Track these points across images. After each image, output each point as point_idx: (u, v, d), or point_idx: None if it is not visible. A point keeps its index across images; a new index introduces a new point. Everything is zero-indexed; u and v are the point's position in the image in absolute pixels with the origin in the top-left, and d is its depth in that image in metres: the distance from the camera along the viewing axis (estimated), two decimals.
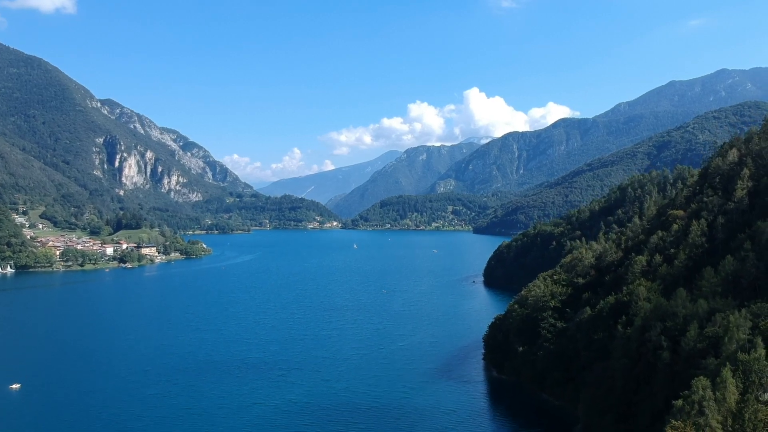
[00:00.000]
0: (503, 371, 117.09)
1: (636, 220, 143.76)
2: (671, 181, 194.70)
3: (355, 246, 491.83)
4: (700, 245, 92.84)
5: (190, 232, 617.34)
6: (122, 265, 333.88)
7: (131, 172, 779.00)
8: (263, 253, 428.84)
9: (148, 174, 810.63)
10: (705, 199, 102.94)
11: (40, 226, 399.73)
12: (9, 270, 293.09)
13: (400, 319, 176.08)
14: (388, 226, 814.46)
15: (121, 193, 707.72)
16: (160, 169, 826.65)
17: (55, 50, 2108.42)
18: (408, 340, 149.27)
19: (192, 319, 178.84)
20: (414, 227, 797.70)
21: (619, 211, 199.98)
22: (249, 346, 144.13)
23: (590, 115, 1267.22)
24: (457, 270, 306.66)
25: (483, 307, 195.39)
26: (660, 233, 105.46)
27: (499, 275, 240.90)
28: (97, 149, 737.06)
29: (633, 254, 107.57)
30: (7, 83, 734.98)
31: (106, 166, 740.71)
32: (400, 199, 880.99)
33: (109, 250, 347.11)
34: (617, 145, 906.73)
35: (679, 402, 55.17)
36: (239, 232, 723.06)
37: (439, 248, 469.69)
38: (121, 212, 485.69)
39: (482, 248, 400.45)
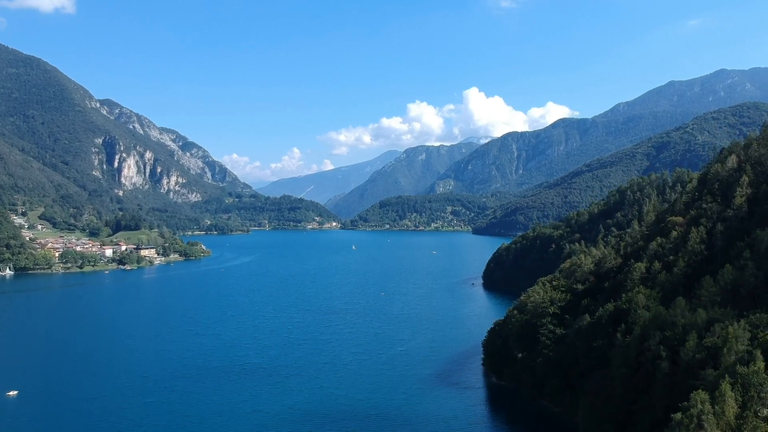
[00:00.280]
0: (502, 377, 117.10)
1: (635, 224, 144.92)
2: (670, 184, 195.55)
3: (354, 248, 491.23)
4: (699, 252, 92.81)
5: (189, 233, 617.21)
6: (121, 267, 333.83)
7: (130, 173, 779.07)
8: (262, 255, 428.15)
9: (147, 174, 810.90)
10: (704, 205, 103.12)
11: (39, 227, 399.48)
12: (8, 272, 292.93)
13: (399, 323, 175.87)
14: (388, 226, 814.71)
15: (121, 193, 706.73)
16: (159, 170, 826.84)
17: (55, 50, 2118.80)
18: (407, 344, 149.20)
19: (191, 323, 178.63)
20: (413, 228, 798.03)
21: (618, 215, 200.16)
22: (248, 351, 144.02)
23: (589, 115, 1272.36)
24: (456, 272, 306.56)
25: (482, 311, 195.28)
26: (659, 240, 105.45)
27: (499, 278, 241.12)
28: (96, 149, 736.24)
29: (632, 261, 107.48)
30: (6, 83, 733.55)
31: (105, 167, 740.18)
32: (399, 199, 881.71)
33: (108, 252, 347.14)
34: (616, 145, 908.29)
35: (678, 415, 55.16)
36: (238, 232, 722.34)
37: (438, 249, 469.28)
38: (120, 213, 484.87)
39: (481, 249, 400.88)
